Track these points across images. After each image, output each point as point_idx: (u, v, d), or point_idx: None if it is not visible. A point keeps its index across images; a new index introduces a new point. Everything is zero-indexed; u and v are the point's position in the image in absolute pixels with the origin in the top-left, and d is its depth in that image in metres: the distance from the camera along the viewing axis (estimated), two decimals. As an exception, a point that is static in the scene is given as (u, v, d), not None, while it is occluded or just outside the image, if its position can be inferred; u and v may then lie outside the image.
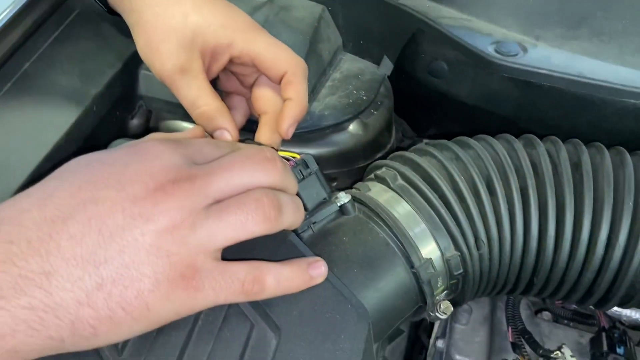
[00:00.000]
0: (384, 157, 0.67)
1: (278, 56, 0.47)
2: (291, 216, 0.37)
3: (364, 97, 0.66)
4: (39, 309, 0.29)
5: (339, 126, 0.63)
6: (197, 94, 0.47)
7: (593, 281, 0.51)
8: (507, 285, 0.52)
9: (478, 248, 0.49)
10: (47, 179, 0.34)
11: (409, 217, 0.48)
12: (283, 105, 0.48)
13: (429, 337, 0.72)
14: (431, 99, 0.75)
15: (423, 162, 0.51)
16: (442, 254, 0.48)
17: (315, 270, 0.39)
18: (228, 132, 0.48)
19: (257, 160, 0.36)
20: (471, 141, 0.53)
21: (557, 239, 0.49)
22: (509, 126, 0.69)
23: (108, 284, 0.30)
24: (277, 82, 0.48)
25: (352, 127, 0.64)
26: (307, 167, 0.47)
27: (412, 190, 0.49)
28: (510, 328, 0.66)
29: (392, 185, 0.50)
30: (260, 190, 0.35)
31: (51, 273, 0.29)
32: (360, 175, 0.65)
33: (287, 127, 0.47)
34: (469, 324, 0.70)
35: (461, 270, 0.48)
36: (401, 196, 0.49)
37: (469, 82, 0.66)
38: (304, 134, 0.61)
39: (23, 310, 0.29)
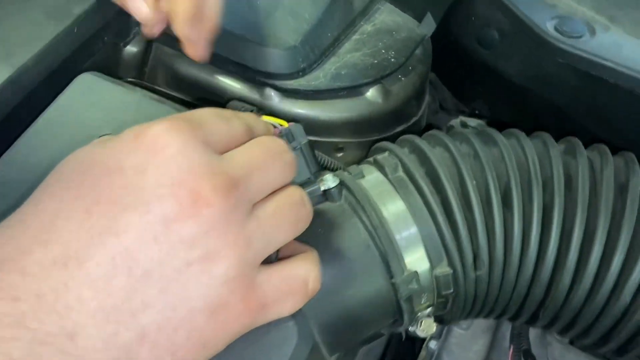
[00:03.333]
0: (407, 131, 0.59)
1: None
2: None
3: (392, 59, 0.56)
4: None
5: (355, 90, 0.54)
6: None
7: (612, 327, 0.42)
8: (506, 313, 0.44)
9: (476, 268, 0.41)
10: (42, 192, 0.27)
11: (400, 217, 0.40)
12: None
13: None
14: (476, 71, 0.64)
15: (432, 155, 0.42)
16: (432, 267, 0.40)
17: None
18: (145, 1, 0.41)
19: (280, 155, 0.31)
20: (498, 137, 0.44)
21: (577, 274, 0.41)
22: (562, 117, 0.59)
23: (152, 333, 0.25)
24: None
25: (371, 92, 0.55)
26: (293, 139, 0.40)
27: (411, 186, 0.41)
28: (512, 346, 0.58)
29: (389, 176, 0.42)
30: (297, 189, 0.32)
31: (76, 333, 0.23)
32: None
33: (181, 32, 0.41)
34: (470, 330, 0.63)
35: (451, 290, 0.41)
36: (397, 191, 0.41)
37: (521, 59, 0.55)
38: (311, 93, 0.53)
39: None
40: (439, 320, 0.46)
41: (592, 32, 0.46)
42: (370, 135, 0.57)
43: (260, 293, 0.28)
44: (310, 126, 0.53)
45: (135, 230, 0.24)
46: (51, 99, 0.44)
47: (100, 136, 0.30)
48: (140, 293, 0.24)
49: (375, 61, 0.56)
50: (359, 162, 0.56)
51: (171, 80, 0.56)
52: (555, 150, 0.43)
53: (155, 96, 0.42)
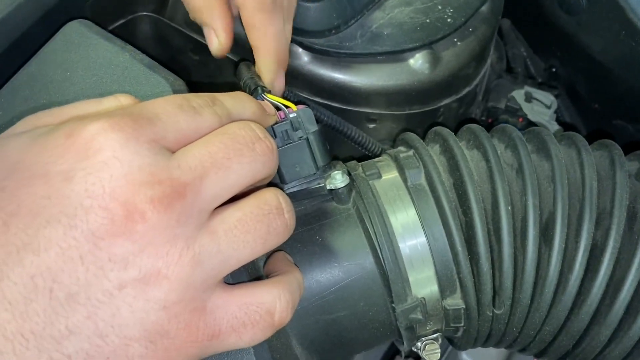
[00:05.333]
0: (458, 101, 0.51)
1: None
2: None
3: (449, 19, 0.47)
4: None
5: (397, 56, 0.46)
6: None
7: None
8: (525, 350, 0.38)
9: (495, 307, 0.34)
10: None
11: (411, 232, 0.34)
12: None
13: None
14: (554, 34, 0.54)
15: (464, 165, 0.35)
16: (442, 295, 0.35)
17: None
18: (214, 32, 0.38)
19: (250, 146, 0.26)
20: (553, 148, 0.35)
21: (619, 330, 0.34)
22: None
23: None
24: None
25: (416, 59, 0.47)
26: (299, 126, 0.34)
27: (431, 201, 0.34)
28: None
29: (409, 182, 0.35)
30: (273, 192, 0.27)
31: None
32: (412, 123, 0.50)
33: (270, 84, 0.35)
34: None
35: (462, 324, 0.35)
36: (414, 203, 0.35)
37: (608, 37, 0.44)
38: (343, 56, 0.45)
39: None
40: (449, 340, 0.40)
41: None
42: (410, 108, 0.49)
43: (210, 321, 0.24)
44: (340, 92, 0.46)
45: (58, 248, 0.21)
46: (46, 40, 0.39)
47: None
48: (63, 318, 0.21)
49: (428, 20, 0.47)
50: (394, 138, 0.49)
51: (190, 19, 0.49)
52: (623, 173, 0.34)
53: (147, 59, 0.36)
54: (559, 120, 0.60)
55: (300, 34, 0.44)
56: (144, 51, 0.39)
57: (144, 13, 0.50)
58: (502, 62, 0.63)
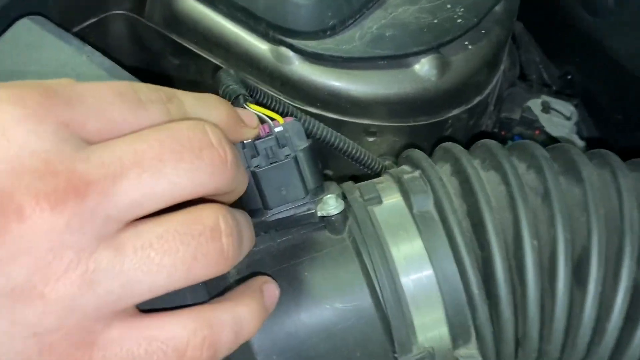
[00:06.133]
0: (468, 112, 0.45)
1: None
2: (248, 245, 0.24)
3: (459, 20, 0.42)
4: None
5: (401, 60, 0.41)
6: None
7: None
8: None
9: (517, 358, 0.29)
10: None
11: (415, 266, 0.29)
12: None
13: None
14: (574, 37, 0.49)
15: (481, 189, 0.29)
16: (453, 342, 0.29)
17: (270, 299, 0.26)
18: None
19: (197, 150, 0.21)
20: (585, 168, 0.30)
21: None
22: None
23: None
24: None
25: (422, 64, 0.41)
26: (286, 142, 0.29)
27: (441, 231, 0.29)
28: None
29: (414, 209, 0.30)
30: (214, 209, 0.22)
31: None
32: (417, 137, 0.44)
33: None
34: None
35: (477, 378, 0.30)
36: (420, 234, 0.29)
37: (637, 39, 0.39)
38: (340, 60, 0.40)
39: None
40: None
41: None
42: (415, 119, 0.43)
43: (98, 358, 0.20)
44: (336, 101, 0.41)
45: None
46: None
47: None
48: None
49: (435, 21, 0.42)
50: (397, 153, 0.44)
51: (170, 19, 0.44)
52: (669, 201, 0.29)
53: (107, 62, 0.31)
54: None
55: (291, 35, 0.39)
56: (115, 54, 0.34)
57: (119, 11, 0.45)
58: (515, 69, 0.58)
